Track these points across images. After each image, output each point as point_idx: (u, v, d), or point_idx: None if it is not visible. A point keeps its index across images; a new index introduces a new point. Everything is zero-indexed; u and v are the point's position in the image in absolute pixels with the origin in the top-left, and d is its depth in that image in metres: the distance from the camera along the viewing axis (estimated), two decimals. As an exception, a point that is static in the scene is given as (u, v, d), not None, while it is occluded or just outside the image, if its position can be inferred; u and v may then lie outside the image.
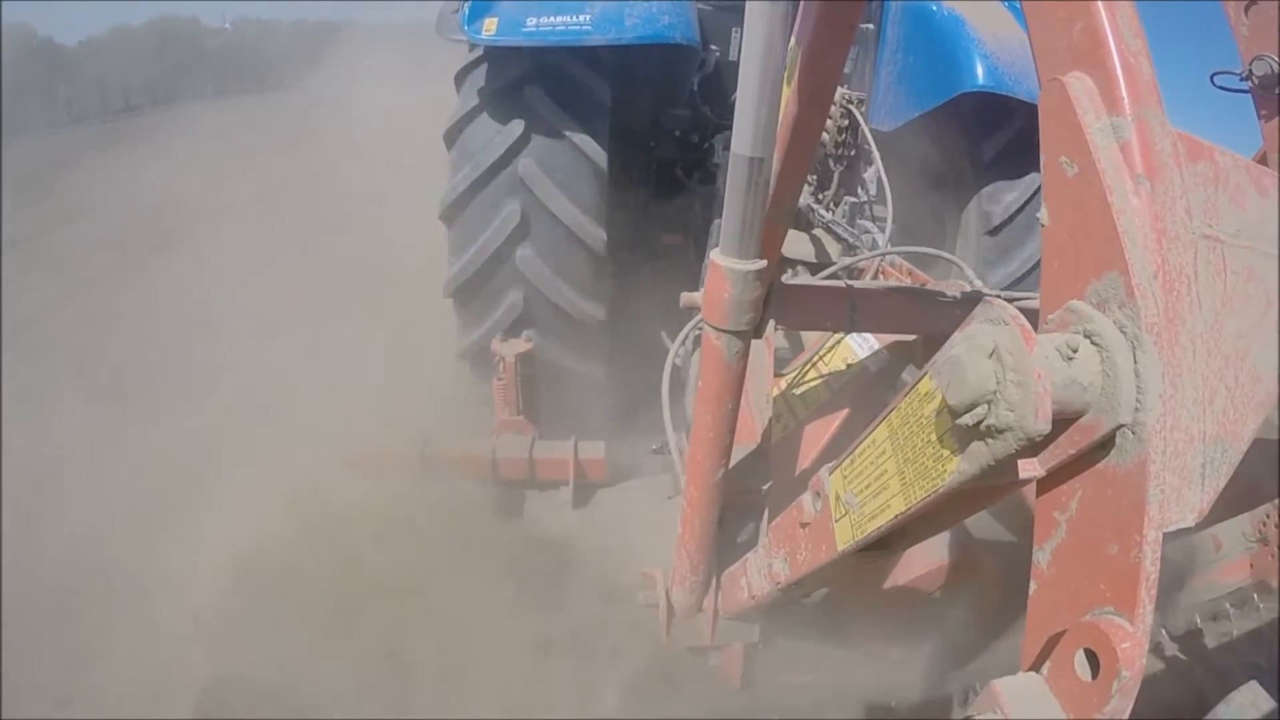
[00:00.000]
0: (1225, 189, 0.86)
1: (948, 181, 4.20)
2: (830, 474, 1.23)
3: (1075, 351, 0.75)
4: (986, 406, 0.75)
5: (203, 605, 2.85)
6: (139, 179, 10.76)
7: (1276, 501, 1.59)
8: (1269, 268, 0.88)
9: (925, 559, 1.83)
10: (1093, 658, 0.75)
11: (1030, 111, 3.54)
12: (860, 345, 2.40)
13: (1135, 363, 0.74)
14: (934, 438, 0.90)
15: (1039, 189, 0.83)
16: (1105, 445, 0.77)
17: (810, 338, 2.72)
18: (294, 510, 3.07)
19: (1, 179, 10.25)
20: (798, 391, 2.44)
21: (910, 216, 3.97)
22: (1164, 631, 1.75)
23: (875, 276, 3.05)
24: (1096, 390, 0.75)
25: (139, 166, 11.42)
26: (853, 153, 3.74)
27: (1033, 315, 0.81)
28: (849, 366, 2.38)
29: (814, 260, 3.38)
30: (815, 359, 2.48)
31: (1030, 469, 0.81)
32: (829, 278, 2.51)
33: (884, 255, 3.05)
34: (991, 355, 0.75)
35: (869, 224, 3.63)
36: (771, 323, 1.97)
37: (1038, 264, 0.79)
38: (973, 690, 1.90)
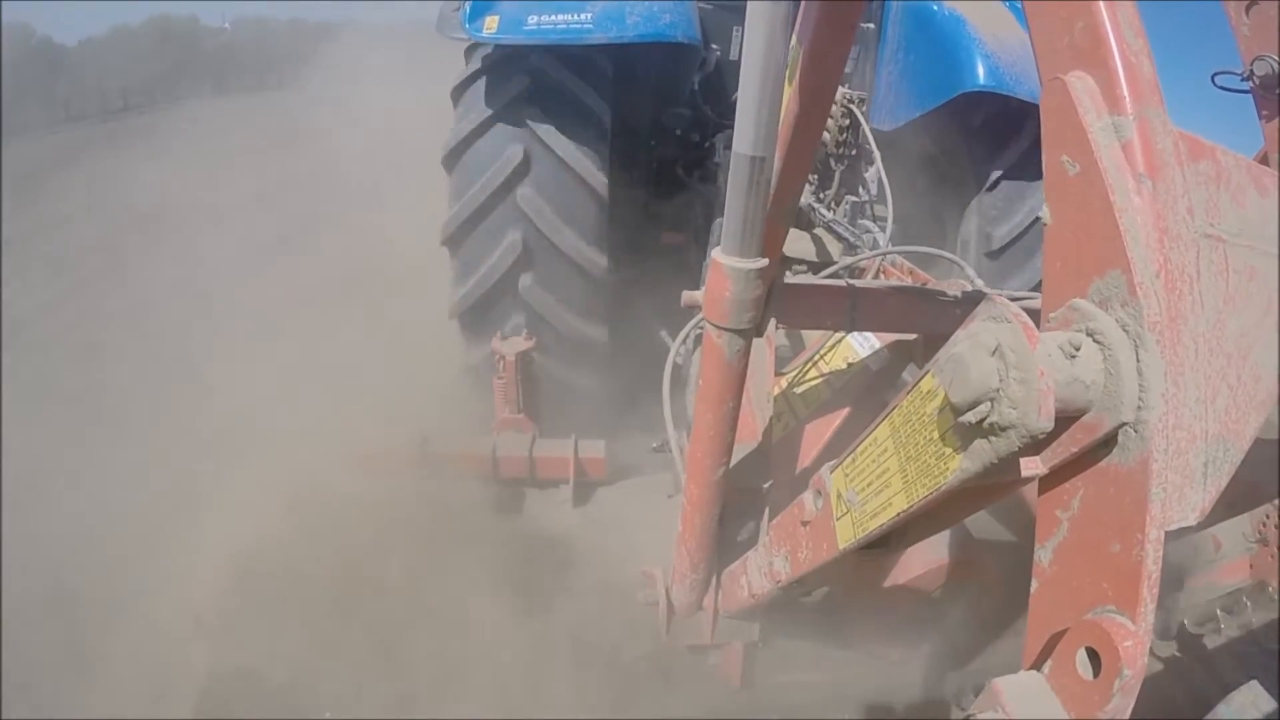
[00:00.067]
0: (1227, 188, 0.86)
1: (948, 181, 4.20)
2: (832, 472, 1.23)
3: (1078, 349, 0.75)
4: (989, 404, 0.75)
5: (203, 605, 2.85)
6: (138, 179, 10.74)
7: (1276, 502, 1.59)
8: (1270, 267, 0.88)
9: (925, 558, 1.83)
10: (1094, 656, 0.75)
11: (1031, 111, 3.55)
12: (861, 344, 2.40)
13: (1138, 361, 0.74)
14: (936, 436, 0.90)
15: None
16: (1107, 443, 0.77)
17: (811, 336, 2.72)
18: (294, 510, 3.07)
19: (1, 179, 10.24)
20: (799, 390, 2.45)
21: (911, 216, 3.98)
22: (1170, 630, 1.75)
23: (876, 276, 3.05)
24: (1099, 388, 0.75)
25: (138, 167, 11.41)
26: (854, 152, 3.74)
27: (1035, 314, 0.81)
28: (850, 365, 2.38)
29: (815, 259, 3.38)
30: (816, 358, 2.49)
31: (1032, 467, 0.82)
32: (830, 277, 2.51)
33: (885, 254, 3.06)
34: (994, 353, 0.75)
35: (870, 223, 3.63)
36: (773, 321, 1.97)
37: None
38: (973, 689, 1.90)
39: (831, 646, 2.07)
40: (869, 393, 2.32)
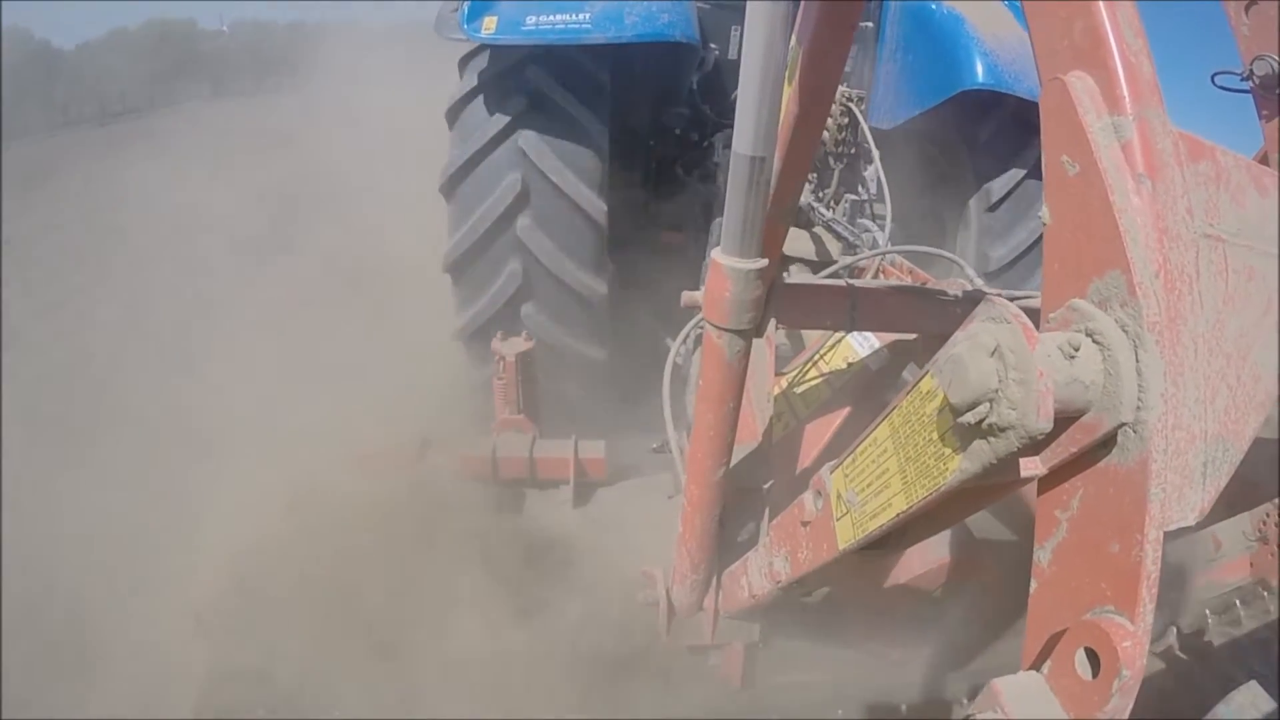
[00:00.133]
0: (1226, 188, 0.86)
1: (947, 179, 4.20)
2: (831, 472, 1.23)
3: (1077, 350, 0.75)
4: (988, 405, 0.75)
5: (203, 605, 2.85)
6: (137, 182, 10.74)
7: (1276, 501, 1.59)
8: (1270, 267, 0.88)
9: (926, 558, 1.83)
10: (1093, 657, 0.75)
11: (1029, 108, 3.54)
12: (861, 344, 2.40)
13: (1137, 361, 0.74)
14: (935, 436, 0.90)
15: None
16: (1107, 444, 0.77)
17: (811, 336, 2.72)
18: (294, 510, 3.06)
19: (1, 182, 10.23)
20: (799, 390, 2.45)
21: (910, 214, 3.98)
22: (1170, 629, 1.75)
23: (876, 275, 3.05)
24: (1098, 389, 0.75)
25: (137, 169, 11.42)
26: (853, 151, 3.74)
27: (1034, 314, 0.81)
28: (850, 365, 2.38)
29: (814, 258, 3.38)
30: (816, 358, 2.49)
31: (1032, 467, 0.82)
32: (829, 277, 2.51)
33: (884, 254, 3.05)
34: (993, 353, 0.75)
35: (869, 222, 3.63)
36: (773, 321, 1.97)
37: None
38: (973, 689, 1.90)
39: (832, 647, 2.07)
40: (869, 393, 2.32)
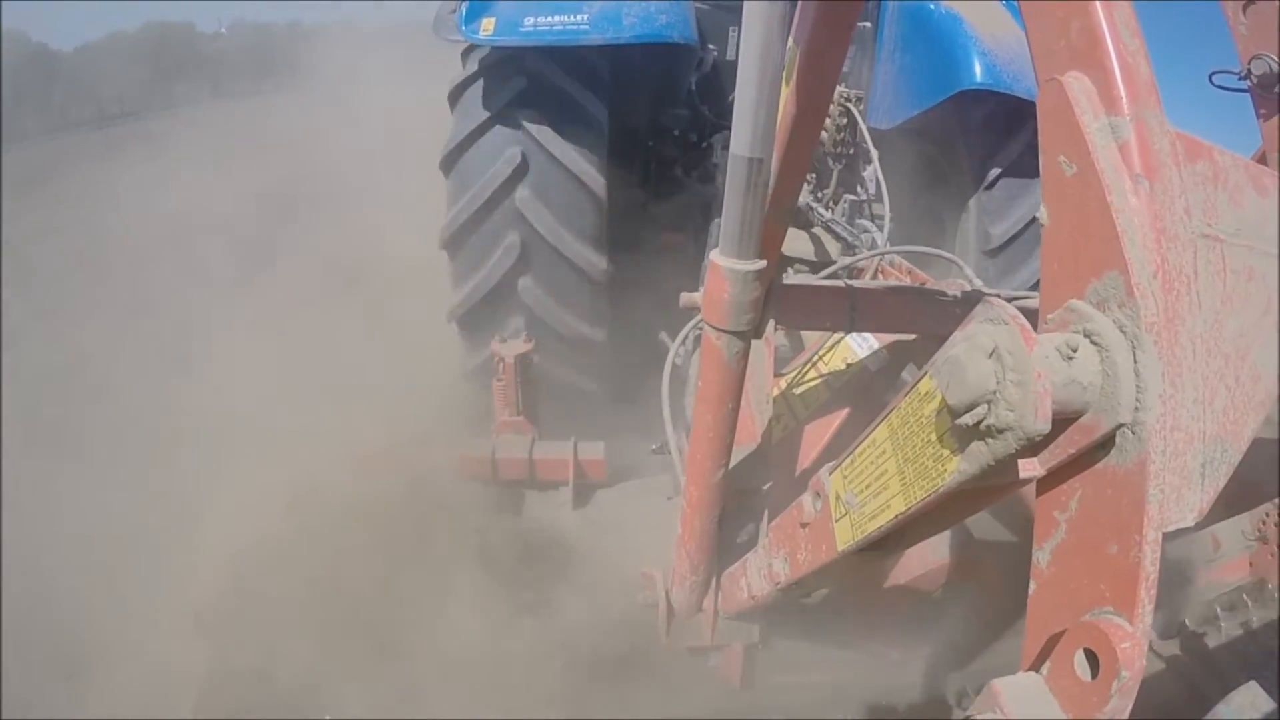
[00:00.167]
0: (1224, 188, 0.86)
1: (946, 179, 4.20)
2: (830, 474, 1.23)
3: (1075, 351, 0.75)
4: (986, 406, 0.75)
5: (203, 605, 2.85)
6: (137, 183, 10.74)
7: (1276, 501, 1.59)
8: (1268, 267, 0.88)
9: (925, 559, 1.83)
10: (1092, 658, 0.75)
11: (1029, 109, 3.54)
12: (860, 345, 2.40)
13: (1135, 362, 0.74)
14: (934, 437, 0.90)
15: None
16: (1105, 445, 0.77)
17: (810, 337, 2.72)
18: (294, 510, 3.07)
19: (1, 184, 10.23)
20: (798, 391, 2.44)
21: (909, 215, 3.97)
22: (1170, 629, 1.75)
23: (875, 276, 3.05)
24: (1096, 390, 0.75)
25: (137, 171, 11.41)
26: (851, 151, 3.75)
27: (1032, 315, 0.81)
28: (849, 366, 2.38)
29: (813, 259, 3.38)
30: (815, 359, 2.48)
31: (1030, 469, 0.82)
32: (828, 277, 2.51)
33: (883, 254, 3.05)
34: (991, 355, 0.75)
35: (868, 223, 3.63)
36: (771, 322, 1.97)
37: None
38: (973, 690, 1.90)
39: (831, 648, 2.07)
40: (868, 393, 2.32)
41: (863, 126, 3.58)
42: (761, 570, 1.60)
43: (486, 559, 2.87)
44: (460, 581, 2.80)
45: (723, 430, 1.64)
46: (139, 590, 3.13)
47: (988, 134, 3.91)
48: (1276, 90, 1.48)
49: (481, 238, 3.55)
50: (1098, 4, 0.81)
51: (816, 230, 3.60)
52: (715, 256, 1.40)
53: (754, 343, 1.65)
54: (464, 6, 3.37)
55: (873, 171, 3.58)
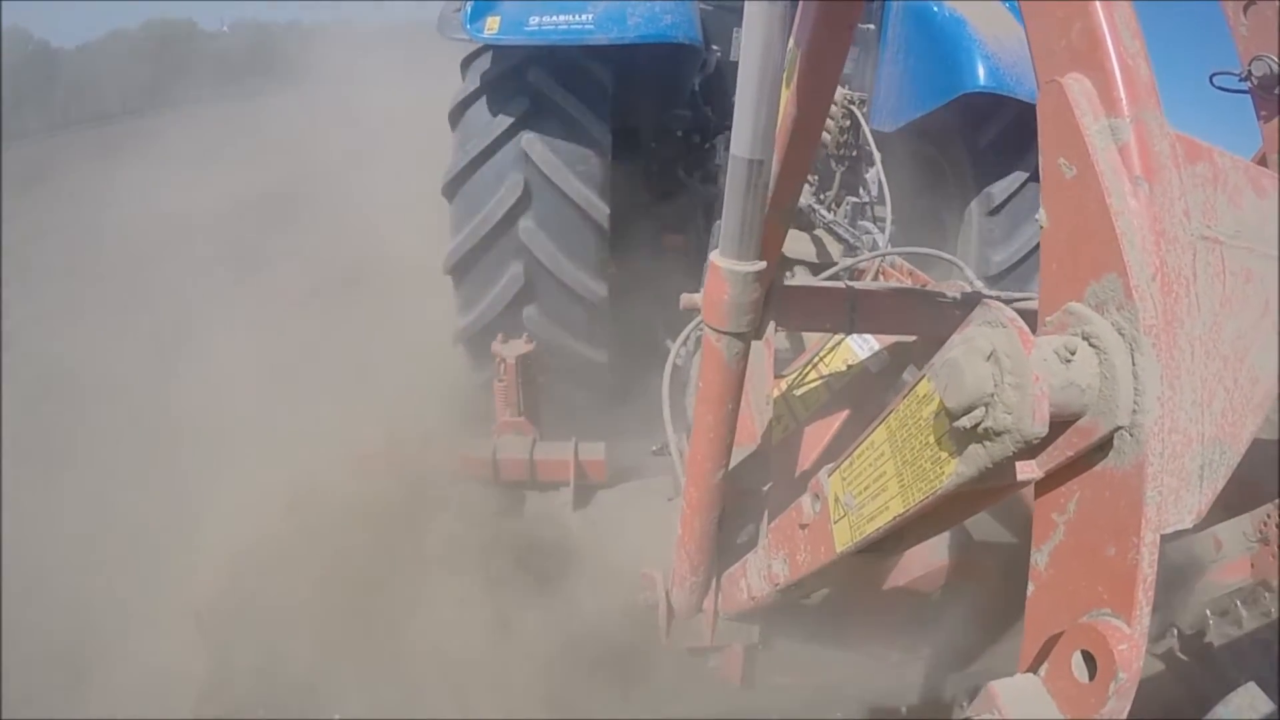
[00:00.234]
0: (1224, 190, 0.86)
1: (948, 182, 4.19)
2: (829, 476, 1.23)
3: (1073, 354, 0.75)
4: (984, 409, 0.75)
5: (203, 604, 2.85)
6: (137, 183, 10.74)
7: (1277, 501, 1.59)
8: (1268, 269, 0.88)
9: (925, 560, 1.83)
10: (1090, 659, 0.75)
11: (1031, 112, 3.53)
12: (860, 346, 2.40)
13: (1133, 365, 0.74)
14: (932, 440, 0.90)
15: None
16: (1103, 447, 0.77)
17: (811, 338, 2.72)
18: (294, 510, 3.07)
19: (1, 184, 10.23)
20: (798, 393, 2.44)
21: (911, 217, 3.97)
22: (1169, 630, 1.75)
23: (875, 277, 3.05)
24: (1094, 392, 0.75)
25: (137, 170, 11.40)
26: (854, 153, 3.74)
27: (1031, 317, 0.81)
28: (849, 368, 2.38)
29: (815, 260, 3.38)
30: (815, 360, 2.48)
31: (1028, 471, 0.81)
32: (829, 279, 2.51)
33: (884, 256, 3.05)
34: (989, 358, 0.75)
35: (870, 224, 3.63)
36: (772, 323, 1.97)
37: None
38: (972, 691, 1.90)
39: (831, 648, 2.07)
40: (868, 395, 2.32)
41: (866, 129, 3.58)
42: (761, 571, 1.60)
43: (486, 559, 2.87)
44: (460, 582, 2.80)
45: (723, 431, 1.64)
46: (139, 590, 3.13)
47: (991, 137, 3.91)
48: (1277, 91, 1.48)
49: (485, 267, 3.56)
50: (1098, 5, 0.81)
51: (818, 232, 3.59)
52: (715, 258, 1.40)
53: (754, 344, 1.66)
54: (468, 6, 3.37)
55: (875, 174, 3.58)
